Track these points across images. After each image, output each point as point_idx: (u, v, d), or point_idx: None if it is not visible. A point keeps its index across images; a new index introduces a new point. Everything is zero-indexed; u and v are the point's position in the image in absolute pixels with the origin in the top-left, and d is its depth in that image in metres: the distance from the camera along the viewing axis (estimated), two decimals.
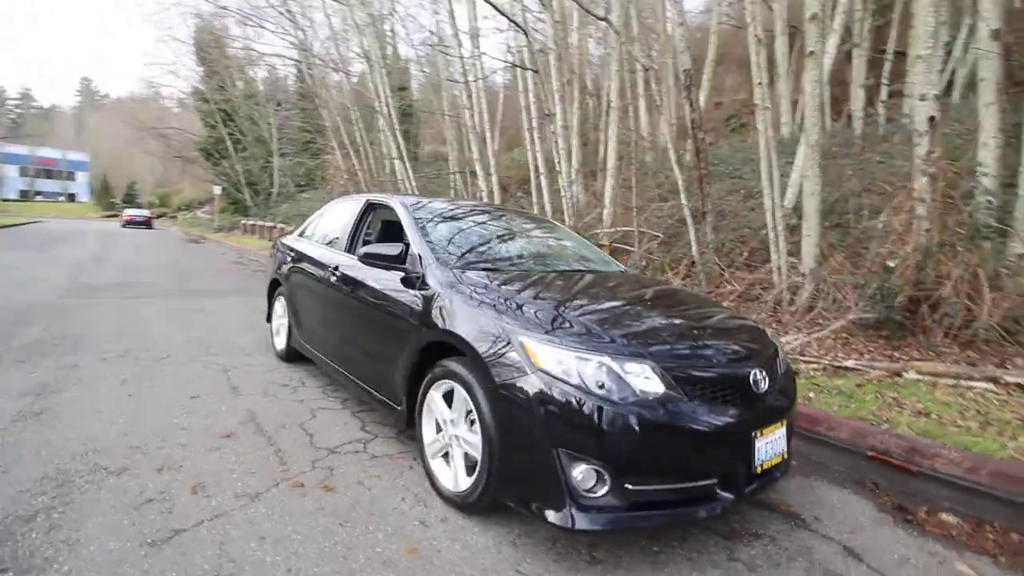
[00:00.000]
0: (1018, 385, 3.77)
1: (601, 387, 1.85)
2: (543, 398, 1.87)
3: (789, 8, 6.49)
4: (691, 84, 6.70)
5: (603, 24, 7.58)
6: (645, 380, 1.88)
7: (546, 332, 2.01)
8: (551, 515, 1.84)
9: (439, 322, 2.35)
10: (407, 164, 11.64)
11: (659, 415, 1.83)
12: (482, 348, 2.08)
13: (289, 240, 4.46)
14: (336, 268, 3.36)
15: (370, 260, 2.83)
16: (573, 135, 8.33)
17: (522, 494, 1.93)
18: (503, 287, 2.41)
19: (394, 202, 3.28)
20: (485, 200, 10.67)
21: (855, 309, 5.10)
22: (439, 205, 3.41)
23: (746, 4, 6.92)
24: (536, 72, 7.95)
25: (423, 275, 2.62)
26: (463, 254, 2.85)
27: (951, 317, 4.53)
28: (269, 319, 4.73)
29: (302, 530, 2.06)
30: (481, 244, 3.07)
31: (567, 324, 2.07)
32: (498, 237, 3.26)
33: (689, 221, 7.09)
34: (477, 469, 2.11)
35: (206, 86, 24.54)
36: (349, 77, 14.19)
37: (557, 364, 1.90)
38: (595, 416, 1.81)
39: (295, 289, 4.05)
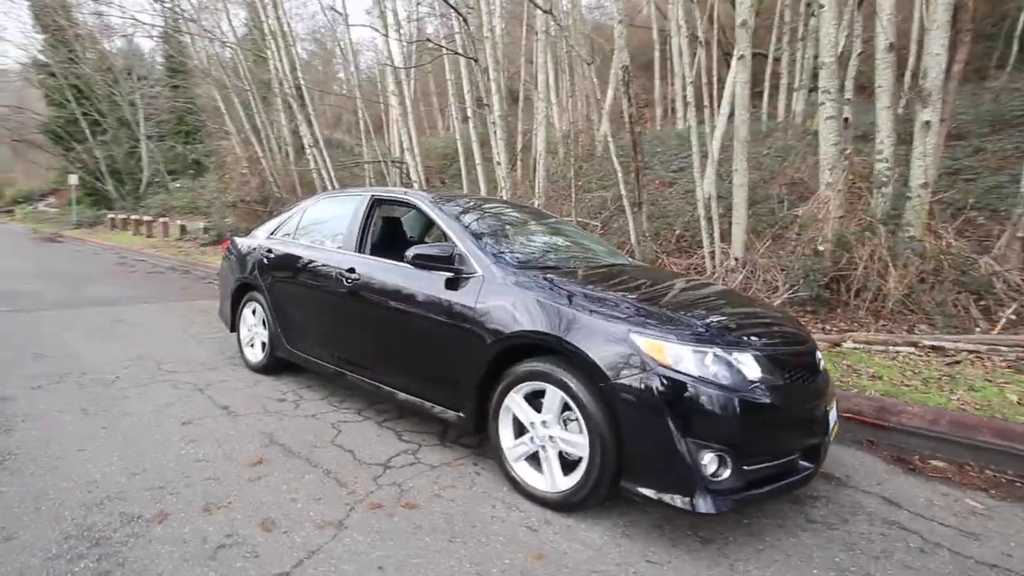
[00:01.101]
0: (932, 347, 4.49)
1: (717, 377, 1.96)
2: (667, 392, 1.94)
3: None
4: (629, 80, 7.03)
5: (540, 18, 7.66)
6: (749, 367, 2.02)
7: (656, 328, 2.08)
8: (681, 502, 1.93)
9: (518, 324, 2.31)
10: (324, 153, 10.91)
11: (767, 398, 1.99)
12: (589, 347, 2.10)
13: (260, 241, 4.04)
14: (351, 270, 3.14)
15: (421, 262, 2.69)
16: (506, 125, 8.36)
17: (650, 485, 1.99)
18: (580, 285, 2.43)
19: (420, 200, 3.13)
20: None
21: (783, 289, 5.78)
22: (459, 201, 3.31)
23: (671, 10, 7.39)
24: (476, 61, 7.83)
25: (483, 276, 2.55)
26: (512, 252, 2.81)
27: (867, 291, 5.30)
28: (234, 329, 4.28)
29: (416, 552, 1.95)
30: (519, 240, 3.04)
31: (667, 319, 2.16)
32: (527, 233, 3.24)
33: (628, 210, 7.50)
34: (584, 467, 2.14)
35: (51, 57, 20.81)
36: (238, 50, 12.85)
37: (675, 358, 1.98)
38: (718, 405, 1.92)
39: (282, 294, 3.70)
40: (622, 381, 2.01)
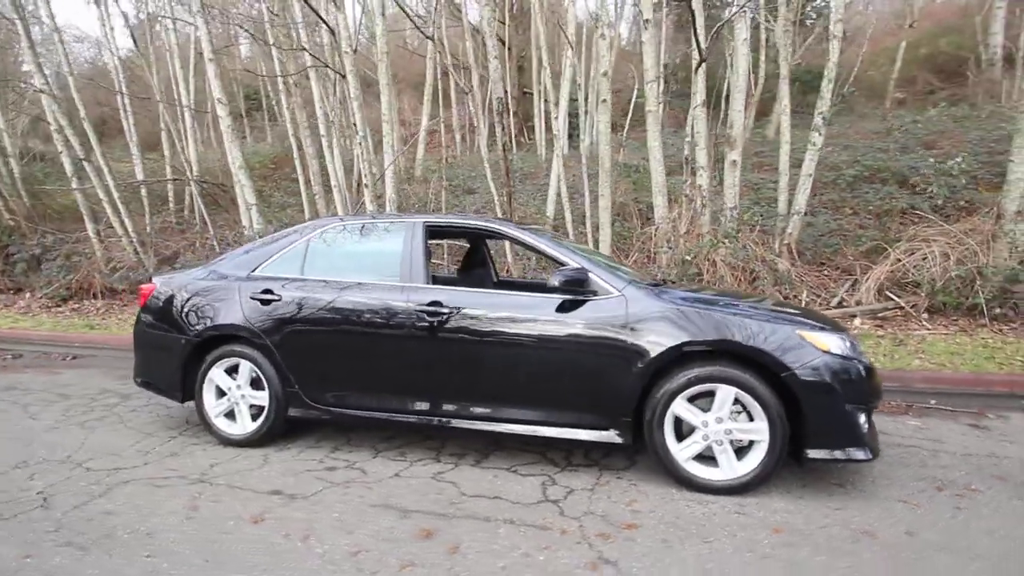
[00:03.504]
0: None
1: (850, 353, 2.58)
2: (833, 371, 2.48)
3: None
4: (504, 110, 7.53)
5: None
6: (853, 344, 2.69)
7: (806, 324, 2.60)
8: (857, 454, 2.47)
9: (687, 335, 2.58)
10: (106, 170, 8.52)
11: (867, 362, 2.68)
12: (769, 346, 2.50)
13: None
14: (434, 304, 2.88)
15: (569, 287, 2.70)
16: (371, 147, 8.01)
17: (832, 445, 2.48)
18: (708, 296, 2.82)
19: (508, 227, 3.07)
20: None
21: None
22: (532, 227, 3.31)
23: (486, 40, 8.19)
24: (343, 77, 7.28)
25: (623, 296, 2.72)
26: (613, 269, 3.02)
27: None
28: (188, 399, 3.35)
29: (682, 562, 2.08)
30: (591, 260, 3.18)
31: (797, 315, 2.70)
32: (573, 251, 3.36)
33: None
34: (764, 450, 2.52)
35: None
36: None
37: (832, 345, 2.53)
38: (861, 374, 2.54)
39: (306, 342, 3.11)
40: (800, 369, 2.48)
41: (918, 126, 11.40)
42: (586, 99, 10.81)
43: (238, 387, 3.25)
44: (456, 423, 2.93)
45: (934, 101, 14.17)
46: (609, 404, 2.71)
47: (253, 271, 3.32)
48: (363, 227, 3.40)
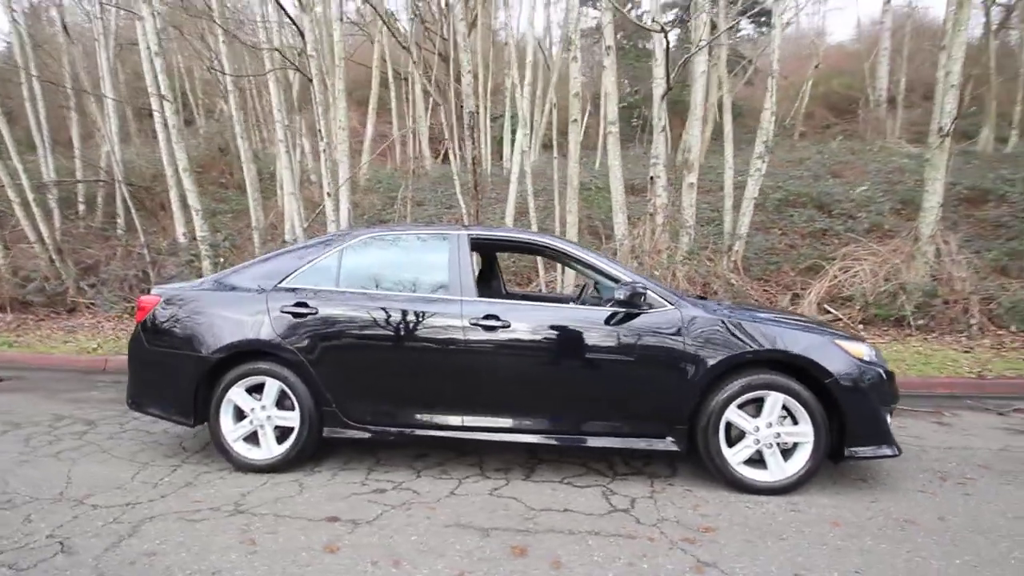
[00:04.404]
0: None
1: (877, 360, 2.88)
2: (869, 377, 2.76)
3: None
4: (475, 125, 7.56)
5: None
6: (876, 351, 3.01)
7: (835, 335, 2.87)
8: (886, 451, 2.75)
9: (744, 346, 2.76)
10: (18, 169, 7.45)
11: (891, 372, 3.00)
12: (814, 354, 2.74)
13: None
14: (490, 318, 2.86)
15: (630, 302, 2.79)
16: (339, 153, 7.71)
17: (865, 444, 2.74)
18: (749, 308, 3.03)
19: (563, 244, 3.12)
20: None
21: None
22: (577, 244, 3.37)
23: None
24: (310, 80, 6.93)
25: (677, 310, 2.86)
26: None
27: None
28: (200, 422, 3.07)
29: (761, 554, 2.23)
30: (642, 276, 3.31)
31: (824, 326, 2.97)
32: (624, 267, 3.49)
33: None
34: (809, 451, 2.75)
35: None
36: None
37: (864, 353, 2.82)
38: (885, 379, 2.84)
39: (345, 358, 2.97)
40: (840, 376, 2.73)
41: (824, 157, 12.77)
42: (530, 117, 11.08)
43: (263, 408, 3.01)
44: (510, 437, 2.92)
45: (831, 134, 16.00)
46: (667, 413, 2.83)
47: (279, 283, 3.11)
48: (401, 239, 3.30)
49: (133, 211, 8.40)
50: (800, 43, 19.82)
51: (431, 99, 15.28)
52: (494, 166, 13.94)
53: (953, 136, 6.84)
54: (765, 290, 7.88)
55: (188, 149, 8.72)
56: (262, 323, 3.00)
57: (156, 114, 8.27)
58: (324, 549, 2.25)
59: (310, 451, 3.03)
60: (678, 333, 2.81)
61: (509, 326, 2.88)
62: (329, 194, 7.51)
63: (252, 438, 3.05)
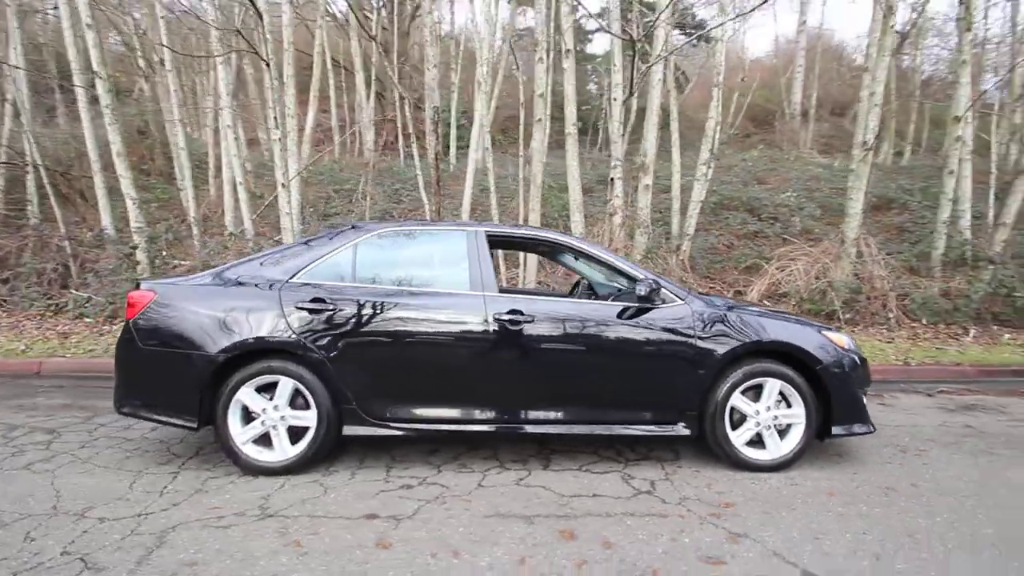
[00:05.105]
0: None
1: (855, 348, 3.24)
2: (850, 363, 3.10)
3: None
4: (439, 120, 7.50)
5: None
6: (852, 342, 3.38)
7: (820, 327, 3.20)
8: (861, 428, 3.11)
9: (749, 337, 3.01)
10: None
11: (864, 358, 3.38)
12: (807, 344, 3.03)
13: (302, 292, 2.94)
14: (514, 312, 2.93)
15: (648, 297, 2.96)
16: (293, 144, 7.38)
17: (847, 423, 3.08)
18: (745, 304, 3.30)
19: (583, 243, 3.24)
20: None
21: None
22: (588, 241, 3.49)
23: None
24: (267, 65, 6.54)
25: (687, 305, 3.07)
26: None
27: None
28: (205, 424, 2.90)
29: (814, 520, 2.49)
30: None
31: (812, 321, 3.30)
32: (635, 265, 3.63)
33: None
34: (801, 431, 3.05)
35: None
36: None
37: (845, 342, 3.16)
38: (861, 363, 3.20)
39: (368, 353, 2.92)
40: (828, 363, 3.05)
41: (749, 164, 13.78)
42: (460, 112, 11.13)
43: (275, 408, 2.90)
44: (533, 429, 3.01)
45: (752, 144, 17.31)
46: (680, 400, 3.03)
47: (291, 279, 3.00)
48: (417, 234, 3.27)
49: (52, 198, 7.59)
50: (728, 57, 21.15)
51: (372, 90, 14.95)
52: (441, 162, 13.80)
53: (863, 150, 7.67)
54: (711, 287, 8.44)
55: (96, 130, 8.01)
56: (276, 320, 2.89)
57: (80, 91, 7.54)
58: (376, 545, 2.24)
59: (325, 451, 2.96)
60: (690, 326, 3.02)
61: (533, 321, 2.96)
62: (284, 185, 7.18)
63: (264, 440, 2.93)
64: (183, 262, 7.80)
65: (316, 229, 9.25)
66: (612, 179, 7.54)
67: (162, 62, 9.74)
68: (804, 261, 7.75)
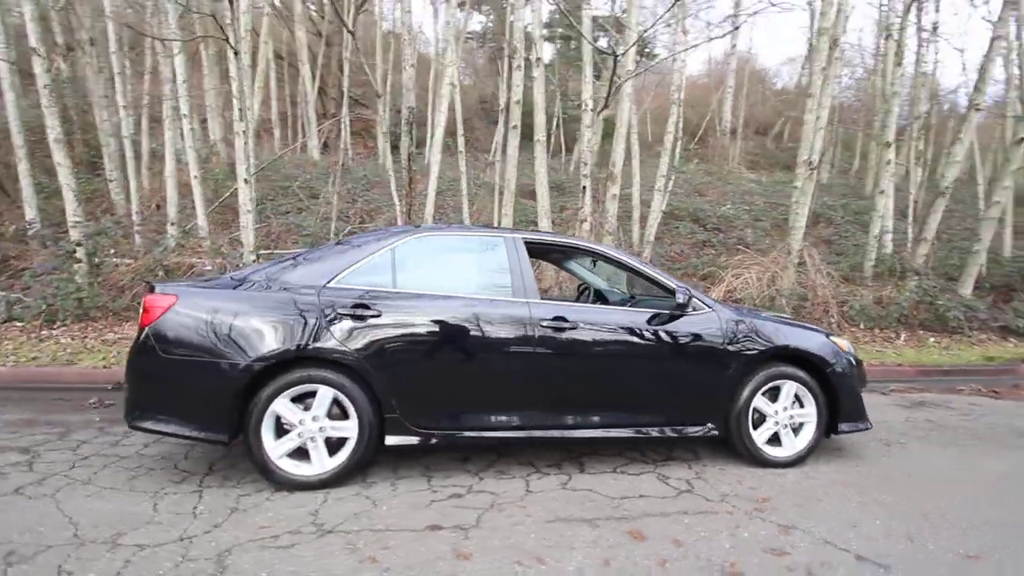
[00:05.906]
0: None
1: (852, 351, 3.56)
2: (852, 365, 3.41)
3: None
4: (412, 120, 7.38)
5: None
6: (850, 345, 3.70)
7: (827, 332, 3.49)
8: (863, 425, 3.42)
9: (771, 342, 3.22)
10: None
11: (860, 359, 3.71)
12: (817, 349, 3.30)
13: (343, 297, 2.82)
14: (559, 319, 2.97)
15: (687, 302, 3.08)
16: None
17: (852, 420, 3.37)
18: (762, 311, 3.52)
19: (616, 252, 3.33)
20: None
21: None
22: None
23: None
24: (236, 54, 6.11)
25: (715, 312, 3.23)
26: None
27: None
28: (234, 437, 2.71)
29: (819, 505, 2.71)
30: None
31: (816, 327, 3.59)
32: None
33: None
34: (813, 429, 3.30)
35: None
36: None
37: (845, 346, 3.46)
38: (857, 365, 3.52)
39: (415, 361, 2.86)
40: (835, 366, 3.34)
41: (688, 177, 14.59)
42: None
43: (313, 419, 2.76)
44: (576, 433, 3.06)
45: (688, 157, 18.35)
46: (711, 403, 3.19)
47: (328, 283, 2.87)
48: (454, 240, 3.23)
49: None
50: (666, 75, 22.24)
51: (317, 83, 14.40)
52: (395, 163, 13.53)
53: (778, 169, 8.40)
54: None
55: (20, 113, 7.17)
56: (317, 326, 2.75)
57: (3, 67, 6.73)
58: (457, 556, 2.20)
59: (364, 463, 2.86)
60: (720, 332, 3.19)
61: (576, 327, 3.01)
62: (246, 180, 6.77)
63: (300, 453, 2.77)
64: (126, 260, 7.14)
65: (275, 228, 8.79)
66: (584, 187, 7.73)
67: (92, 41, 8.91)
68: (756, 270, 8.33)
